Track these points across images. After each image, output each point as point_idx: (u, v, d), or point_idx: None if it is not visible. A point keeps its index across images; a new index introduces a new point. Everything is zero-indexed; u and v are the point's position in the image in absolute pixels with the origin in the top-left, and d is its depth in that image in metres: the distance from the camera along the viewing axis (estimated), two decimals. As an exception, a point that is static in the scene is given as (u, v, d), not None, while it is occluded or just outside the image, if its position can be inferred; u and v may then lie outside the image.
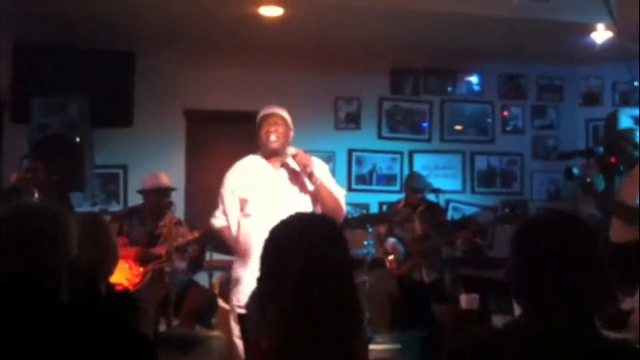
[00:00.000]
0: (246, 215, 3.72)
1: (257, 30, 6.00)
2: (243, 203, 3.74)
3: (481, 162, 7.34)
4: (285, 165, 3.76)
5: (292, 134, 3.81)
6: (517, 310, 3.60)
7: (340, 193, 3.81)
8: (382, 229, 6.02)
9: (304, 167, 3.65)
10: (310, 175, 3.65)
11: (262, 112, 3.79)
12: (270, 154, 3.76)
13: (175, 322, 5.06)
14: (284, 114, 3.78)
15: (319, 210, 3.75)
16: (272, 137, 3.71)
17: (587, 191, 4.54)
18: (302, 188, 3.75)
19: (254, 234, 3.51)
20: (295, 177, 3.76)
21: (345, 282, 1.50)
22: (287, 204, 3.55)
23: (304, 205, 3.71)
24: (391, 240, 5.84)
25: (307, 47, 6.50)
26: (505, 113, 7.44)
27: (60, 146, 5.58)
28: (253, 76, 6.64)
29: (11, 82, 6.06)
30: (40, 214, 1.64)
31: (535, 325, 1.48)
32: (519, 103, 7.46)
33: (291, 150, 3.68)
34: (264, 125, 3.73)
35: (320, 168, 3.79)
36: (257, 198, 3.70)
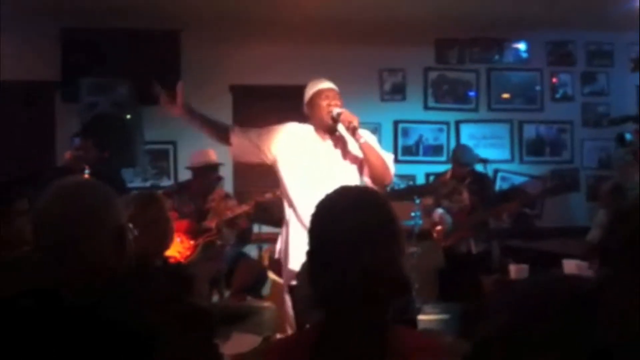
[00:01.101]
0: (294, 181, 3.72)
1: (301, 4, 5.99)
2: (291, 165, 3.74)
3: (530, 131, 7.24)
4: (333, 136, 3.77)
5: None
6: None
7: (388, 157, 3.78)
8: (429, 200, 5.99)
9: (348, 123, 3.62)
10: (354, 132, 3.61)
11: (319, 86, 3.75)
12: (329, 128, 3.76)
13: (227, 294, 5.17)
14: (337, 88, 3.80)
15: (366, 179, 3.75)
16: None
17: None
18: (349, 158, 3.76)
19: (303, 203, 3.55)
20: (343, 147, 3.76)
21: (392, 256, 1.50)
22: (335, 174, 3.58)
23: (352, 175, 3.72)
24: (439, 211, 5.81)
25: (351, 19, 6.46)
26: (554, 80, 7.30)
27: (111, 124, 5.70)
28: (298, 50, 6.65)
29: (61, 64, 6.21)
30: (84, 191, 1.64)
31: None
32: (568, 70, 7.31)
33: (336, 110, 3.67)
34: (323, 98, 3.71)
35: (366, 134, 3.77)
36: (306, 166, 3.70)
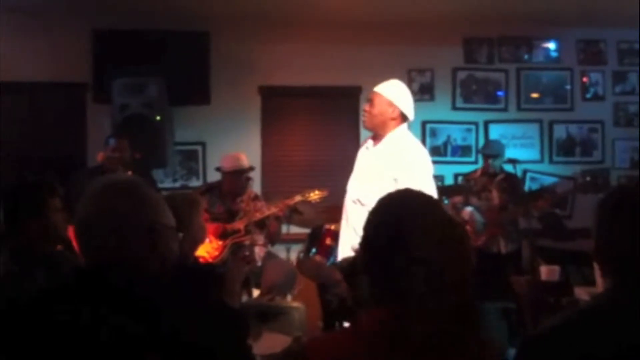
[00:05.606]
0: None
1: (329, 4, 6.00)
2: None
3: (560, 131, 7.17)
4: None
5: (392, 110, 3.83)
6: (599, 282, 3.54)
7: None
8: (459, 198, 5.96)
9: None
10: None
11: None
12: None
13: (256, 294, 5.19)
14: (379, 91, 3.86)
15: None
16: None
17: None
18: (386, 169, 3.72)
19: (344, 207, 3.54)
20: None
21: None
22: (360, 183, 3.54)
23: (379, 186, 3.66)
24: (468, 209, 5.76)
25: (379, 19, 6.46)
26: (585, 79, 7.22)
27: (142, 125, 5.75)
28: (326, 51, 6.66)
29: (92, 65, 6.29)
30: (129, 187, 1.65)
31: (625, 299, 1.46)
32: (598, 69, 7.22)
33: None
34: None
35: (409, 172, 3.60)
36: (354, 172, 3.72)
